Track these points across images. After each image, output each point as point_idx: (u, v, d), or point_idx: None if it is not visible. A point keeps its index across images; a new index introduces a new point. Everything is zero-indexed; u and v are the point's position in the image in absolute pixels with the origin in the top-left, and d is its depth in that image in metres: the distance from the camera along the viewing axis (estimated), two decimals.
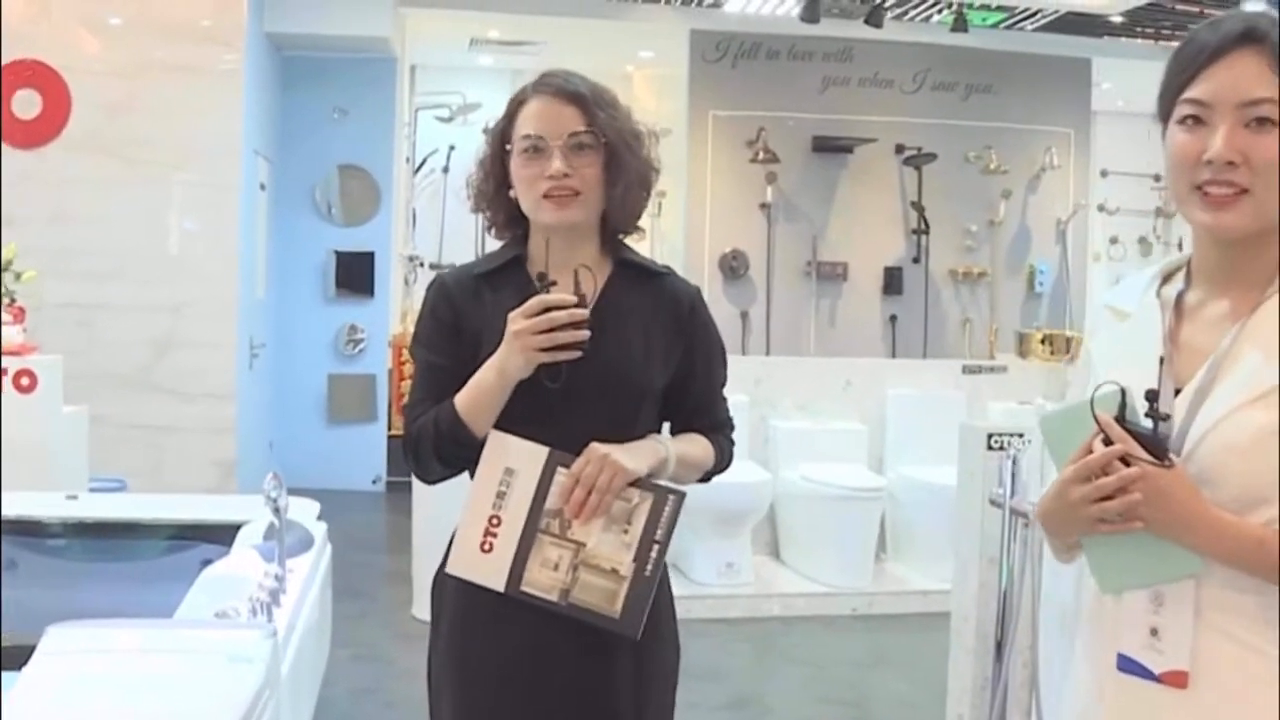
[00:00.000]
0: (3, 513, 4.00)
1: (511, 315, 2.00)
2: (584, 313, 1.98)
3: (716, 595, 6.02)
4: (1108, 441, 1.54)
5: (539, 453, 2.02)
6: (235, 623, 2.65)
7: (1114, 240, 10.93)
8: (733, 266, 9.27)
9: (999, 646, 3.38)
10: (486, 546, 2.01)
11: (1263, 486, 1.52)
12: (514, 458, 2.02)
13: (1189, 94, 1.57)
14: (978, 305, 9.57)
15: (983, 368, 6.93)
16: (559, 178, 2.07)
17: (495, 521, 2.01)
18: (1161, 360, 1.60)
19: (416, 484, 5.55)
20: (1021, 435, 3.54)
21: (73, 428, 5.47)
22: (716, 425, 2.29)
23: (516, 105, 2.15)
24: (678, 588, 6.05)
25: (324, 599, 3.88)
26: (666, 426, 2.25)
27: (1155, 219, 10.76)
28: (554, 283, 2.01)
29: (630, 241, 2.27)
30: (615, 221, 2.19)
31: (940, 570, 6.02)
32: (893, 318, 9.42)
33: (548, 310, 1.97)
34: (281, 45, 8.40)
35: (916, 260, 9.41)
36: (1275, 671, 1.51)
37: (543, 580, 2.00)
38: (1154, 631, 1.58)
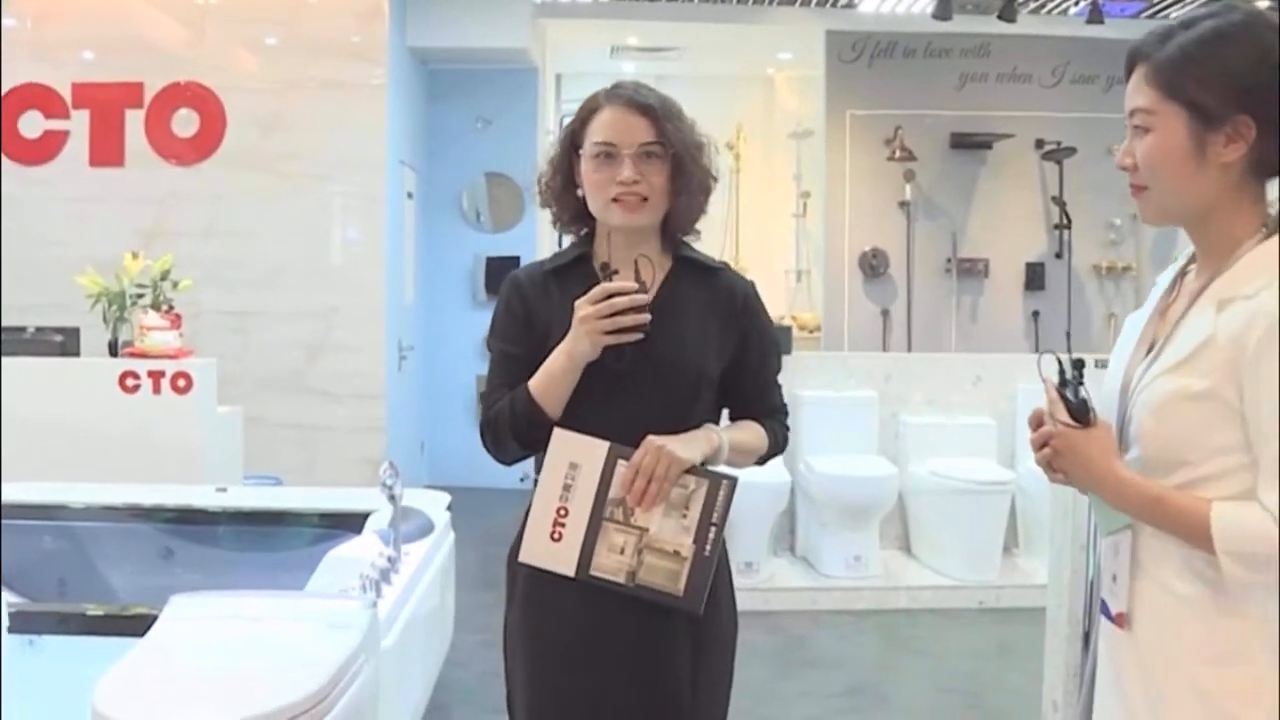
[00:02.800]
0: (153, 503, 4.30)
1: (578, 303, 2.15)
2: (645, 297, 2.13)
3: (844, 587, 6.12)
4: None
5: (600, 447, 2.17)
6: (339, 595, 2.87)
7: None
8: (873, 265, 9.32)
9: (1086, 634, 3.43)
10: (556, 536, 2.17)
11: (1176, 448, 1.71)
12: (577, 453, 2.18)
13: None
14: (1123, 300, 9.45)
15: None
16: (629, 184, 2.22)
17: (563, 513, 2.17)
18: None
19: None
20: None
21: (227, 427, 5.80)
22: (770, 411, 2.43)
23: (589, 112, 2.29)
24: (805, 579, 6.19)
25: (444, 583, 4.09)
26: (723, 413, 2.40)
27: None
28: (616, 271, 2.16)
29: (704, 240, 2.43)
30: (676, 225, 2.34)
31: None
32: (1035, 314, 9.36)
33: (610, 296, 2.12)
34: (426, 59, 8.73)
35: (1059, 255, 9.35)
36: (1195, 620, 1.71)
37: (610, 564, 2.16)
38: (1114, 577, 1.80)
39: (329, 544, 4.56)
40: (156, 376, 5.36)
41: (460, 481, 7.69)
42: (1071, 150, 9.09)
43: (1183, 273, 1.87)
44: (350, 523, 4.48)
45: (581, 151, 2.28)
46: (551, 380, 2.21)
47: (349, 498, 4.79)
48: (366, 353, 7.56)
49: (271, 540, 4.74)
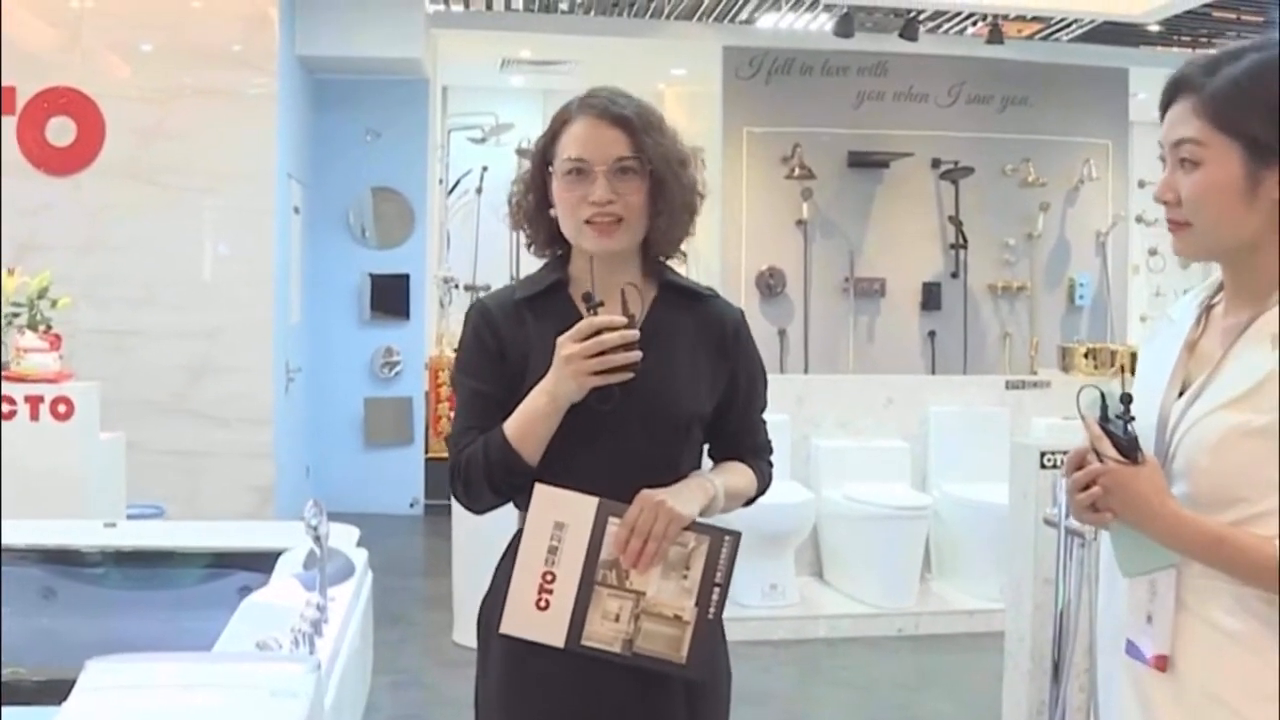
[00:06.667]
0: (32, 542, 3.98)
1: (561, 340, 1.94)
2: (635, 333, 1.93)
3: (761, 617, 5.94)
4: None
5: (589, 504, 1.97)
6: (278, 656, 2.60)
7: (1153, 252, 10.82)
8: (770, 284, 9.21)
9: (1056, 668, 3.30)
10: (542, 604, 1.96)
11: (1232, 484, 1.65)
12: (563, 511, 1.98)
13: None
14: (1017, 319, 9.47)
15: (1026, 383, 6.83)
16: (602, 204, 2.02)
17: (549, 578, 1.97)
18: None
19: (456, 507, 5.47)
20: None
21: (110, 454, 5.44)
22: (757, 450, 2.26)
23: (560, 124, 2.09)
24: None
25: (365, 627, 3.83)
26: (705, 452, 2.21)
27: None
28: (601, 304, 1.96)
29: (671, 263, 2.23)
30: (658, 246, 2.14)
31: (986, 589, 5.93)
32: (931, 333, 9.33)
33: (598, 333, 1.92)
34: (313, 68, 8.39)
35: (955, 275, 9.34)
36: (1247, 659, 1.63)
37: (604, 633, 1.96)
38: (1149, 618, 1.72)
39: (224, 581, 4.28)
40: (35, 402, 4.98)
41: (347, 507, 7.36)
42: (968, 170, 9.09)
43: (1207, 307, 1.81)
44: (247, 560, 4.19)
45: (553, 168, 2.07)
46: (530, 423, 1.99)
47: (249, 533, 4.49)
48: (253, 374, 7.22)
49: (162, 578, 4.42)
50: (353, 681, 3.31)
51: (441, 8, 8.64)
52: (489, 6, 8.74)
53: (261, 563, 4.00)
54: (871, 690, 5.26)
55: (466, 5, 8.70)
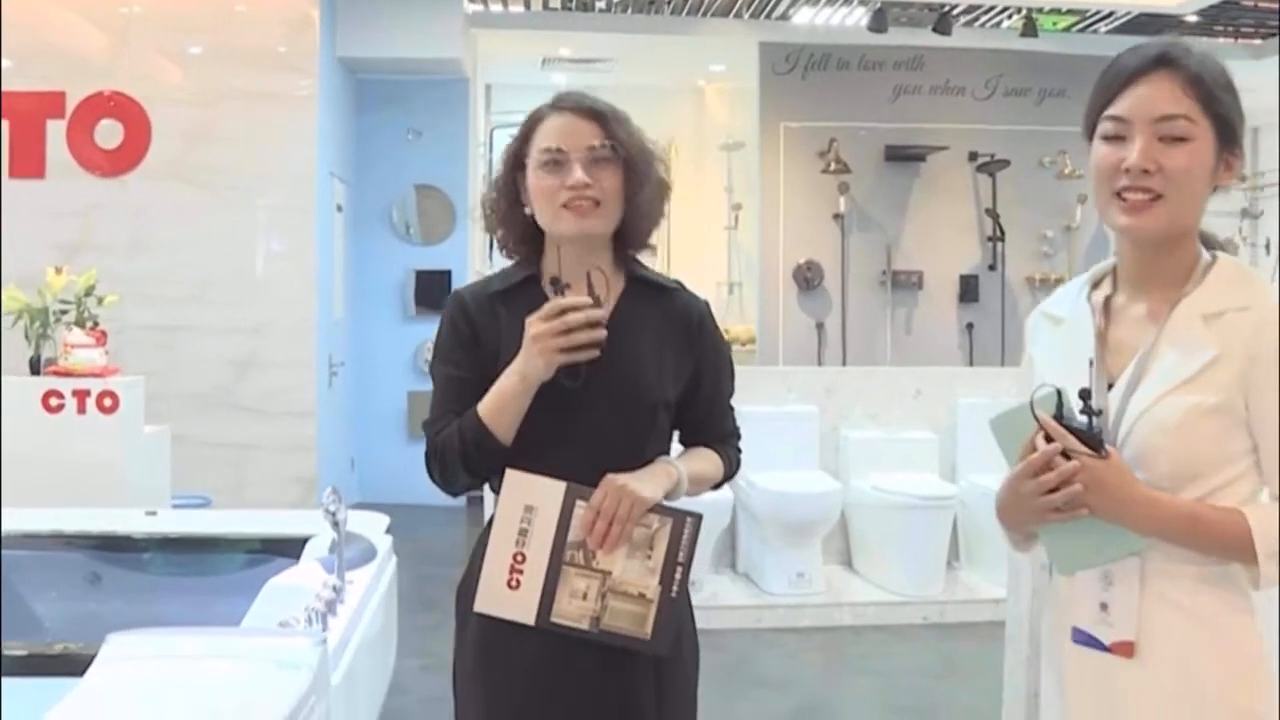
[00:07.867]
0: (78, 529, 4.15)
1: (529, 320, 2.03)
2: (600, 312, 2.03)
3: (787, 605, 6.04)
4: (1049, 439, 1.71)
5: (557, 488, 2.06)
6: (286, 631, 2.74)
7: None
8: (807, 277, 9.29)
9: None
10: (513, 583, 2.06)
11: (1192, 462, 1.71)
12: (533, 494, 2.07)
13: (1110, 111, 1.78)
14: None
15: None
16: (580, 188, 2.10)
17: (520, 558, 2.06)
18: (1091, 361, 1.78)
19: (491, 496, 5.54)
20: None
21: (155, 447, 5.62)
22: (723, 436, 2.34)
23: (534, 123, 2.18)
24: (747, 597, 6.10)
25: (387, 610, 3.97)
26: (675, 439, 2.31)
27: (1241, 220, 10.55)
28: (568, 286, 2.05)
29: (678, 256, 2.32)
30: (631, 234, 2.22)
31: None
32: (969, 326, 9.38)
33: (564, 312, 2.01)
34: (355, 69, 8.57)
35: (992, 267, 9.38)
36: (1215, 635, 1.70)
37: (572, 610, 2.06)
38: (1104, 606, 1.76)
39: (263, 568, 4.42)
40: (81, 396, 5.17)
41: (391, 498, 7.54)
42: (1005, 163, 9.13)
43: (1105, 299, 1.85)
44: (285, 547, 4.33)
45: (528, 161, 2.17)
46: (502, 403, 2.09)
47: (284, 521, 4.63)
48: (296, 369, 7.40)
49: (203, 565, 4.58)
50: (370, 660, 3.45)
51: (480, 8, 8.78)
52: (527, 6, 8.87)
53: (298, 550, 4.15)
54: (893, 677, 5.34)
55: (505, 5, 8.83)
